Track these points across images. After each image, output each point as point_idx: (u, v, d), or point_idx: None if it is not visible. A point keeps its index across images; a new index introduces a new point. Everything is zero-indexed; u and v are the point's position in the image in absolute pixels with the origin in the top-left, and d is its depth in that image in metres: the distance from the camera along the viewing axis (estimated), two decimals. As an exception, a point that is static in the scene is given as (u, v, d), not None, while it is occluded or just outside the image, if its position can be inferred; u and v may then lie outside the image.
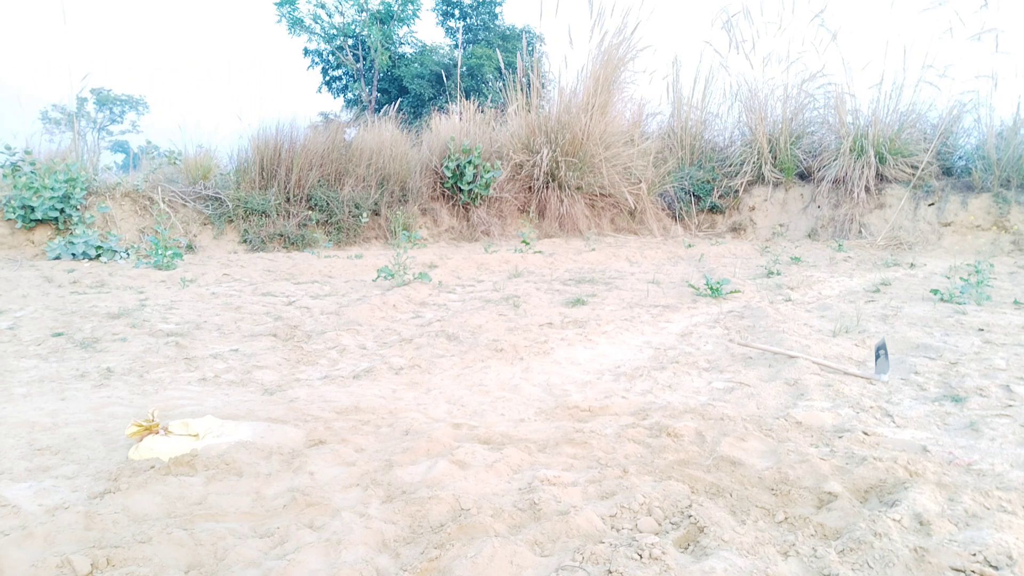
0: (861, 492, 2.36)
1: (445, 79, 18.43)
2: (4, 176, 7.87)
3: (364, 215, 9.67)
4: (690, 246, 10.84)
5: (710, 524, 2.00)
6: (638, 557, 1.80)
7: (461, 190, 10.73)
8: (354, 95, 22.27)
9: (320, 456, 2.58)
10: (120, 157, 20.99)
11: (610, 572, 1.74)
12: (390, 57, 21.40)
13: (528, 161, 11.36)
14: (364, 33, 21.20)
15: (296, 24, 21.60)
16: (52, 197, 7.64)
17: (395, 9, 21.37)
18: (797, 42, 32.85)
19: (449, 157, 10.68)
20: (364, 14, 21.25)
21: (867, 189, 11.73)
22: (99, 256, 7.51)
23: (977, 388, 3.45)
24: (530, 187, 11.51)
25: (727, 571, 1.74)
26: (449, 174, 10.68)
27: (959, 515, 2.07)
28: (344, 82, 23.02)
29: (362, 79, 21.86)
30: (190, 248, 8.37)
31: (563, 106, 11.49)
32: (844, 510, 2.18)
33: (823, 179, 12.16)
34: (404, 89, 20.91)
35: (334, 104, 26.99)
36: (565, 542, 1.96)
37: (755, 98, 13.04)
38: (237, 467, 2.39)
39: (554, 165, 11.29)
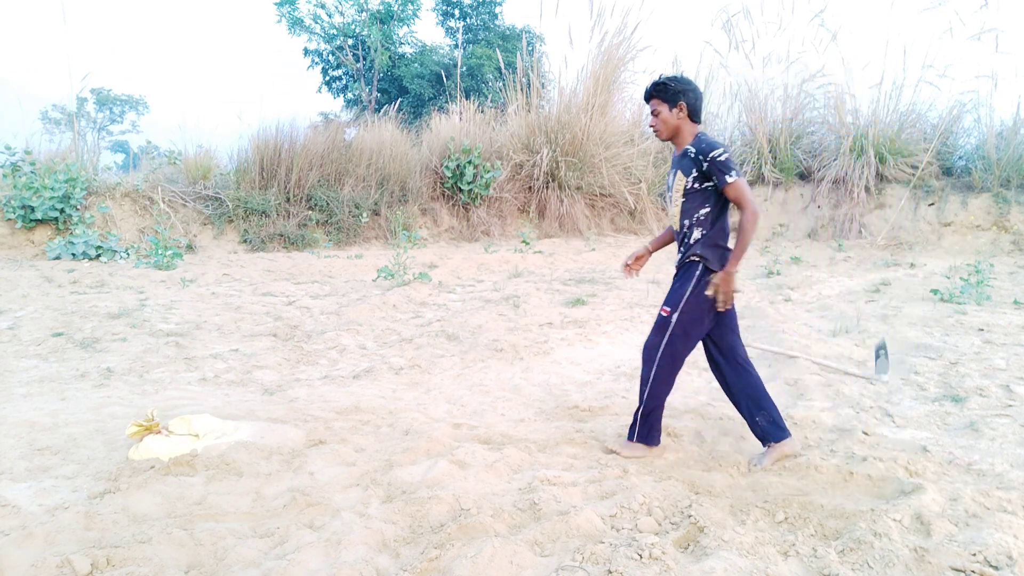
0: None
1: (445, 79, 18.41)
2: (4, 176, 7.87)
3: (364, 215, 9.67)
4: (690, 246, 10.82)
5: (710, 524, 2.00)
6: (638, 557, 1.80)
7: (461, 190, 10.73)
8: (354, 95, 22.27)
9: (320, 456, 2.58)
10: (120, 157, 20.95)
11: (610, 572, 1.74)
12: (390, 57, 21.41)
13: (528, 161, 11.36)
14: (364, 33, 21.20)
15: (296, 24, 21.62)
16: (52, 197, 7.64)
17: (395, 9, 21.37)
18: (797, 42, 32.74)
19: (449, 157, 10.67)
20: (364, 14, 21.25)
21: (867, 189, 11.72)
22: (99, 256, 7.51)
23: (977, 388, 3.45)
24: (530, 187, 11.50)
25: (727, 571, 1.74)
26: (449, 174, 10.68)
27: (959, 515, 2.07)
28: (344, 82, 23.02)
29: (362, 79, 21.86)
30: (190, 248, 8.37)
31: (563, 106, 11.49)
32: (844, 510, 2.18)
33: (823, 179, 12.15)
34: (404, 89, 20.91)
35: (334, 104, 26.97)
36: (565, 542, 1.96)
37: (755, 98, 13.02)
38: (237, 467, 2.39)
39: (554, 165, 11.29)
